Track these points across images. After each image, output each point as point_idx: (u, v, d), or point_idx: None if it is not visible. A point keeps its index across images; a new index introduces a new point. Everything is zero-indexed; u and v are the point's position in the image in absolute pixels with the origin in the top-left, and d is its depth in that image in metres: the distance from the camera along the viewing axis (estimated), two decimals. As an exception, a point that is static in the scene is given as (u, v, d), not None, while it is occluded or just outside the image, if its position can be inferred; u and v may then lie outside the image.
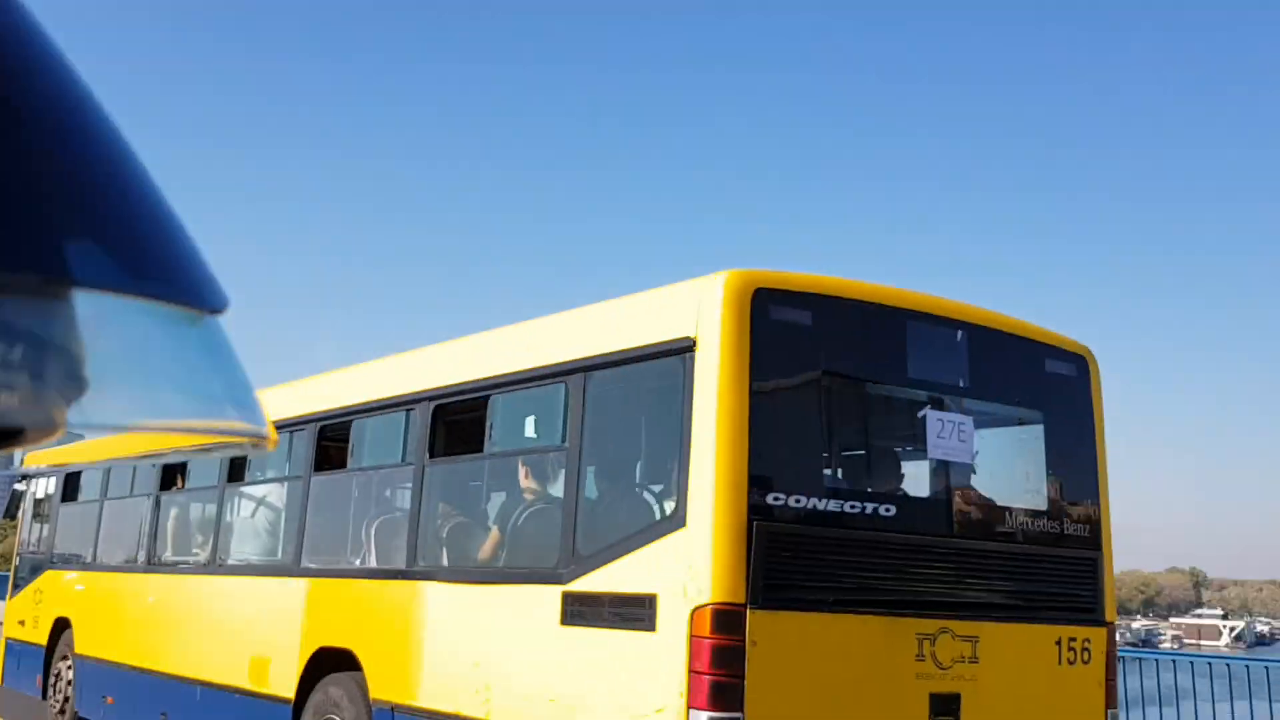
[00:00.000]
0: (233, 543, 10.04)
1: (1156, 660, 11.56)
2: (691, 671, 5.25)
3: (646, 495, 6.28)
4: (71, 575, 12.89)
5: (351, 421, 8.43)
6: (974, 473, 6.31)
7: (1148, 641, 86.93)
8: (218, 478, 10.13)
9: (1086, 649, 6.46)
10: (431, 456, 7.47)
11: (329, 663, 7.88)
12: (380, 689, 7.30)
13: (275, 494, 9.54)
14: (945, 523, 6.15)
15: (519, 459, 6.88)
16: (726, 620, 5.26)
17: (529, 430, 6.98)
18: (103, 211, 0.68)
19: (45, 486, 14.21)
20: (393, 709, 7.08)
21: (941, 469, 6.24)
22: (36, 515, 14.54)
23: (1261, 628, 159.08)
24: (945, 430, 6.10)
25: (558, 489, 6.45)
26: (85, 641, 12.00)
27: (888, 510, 5.89)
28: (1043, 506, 6.59)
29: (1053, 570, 6.49)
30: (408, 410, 7.76)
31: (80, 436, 0.72)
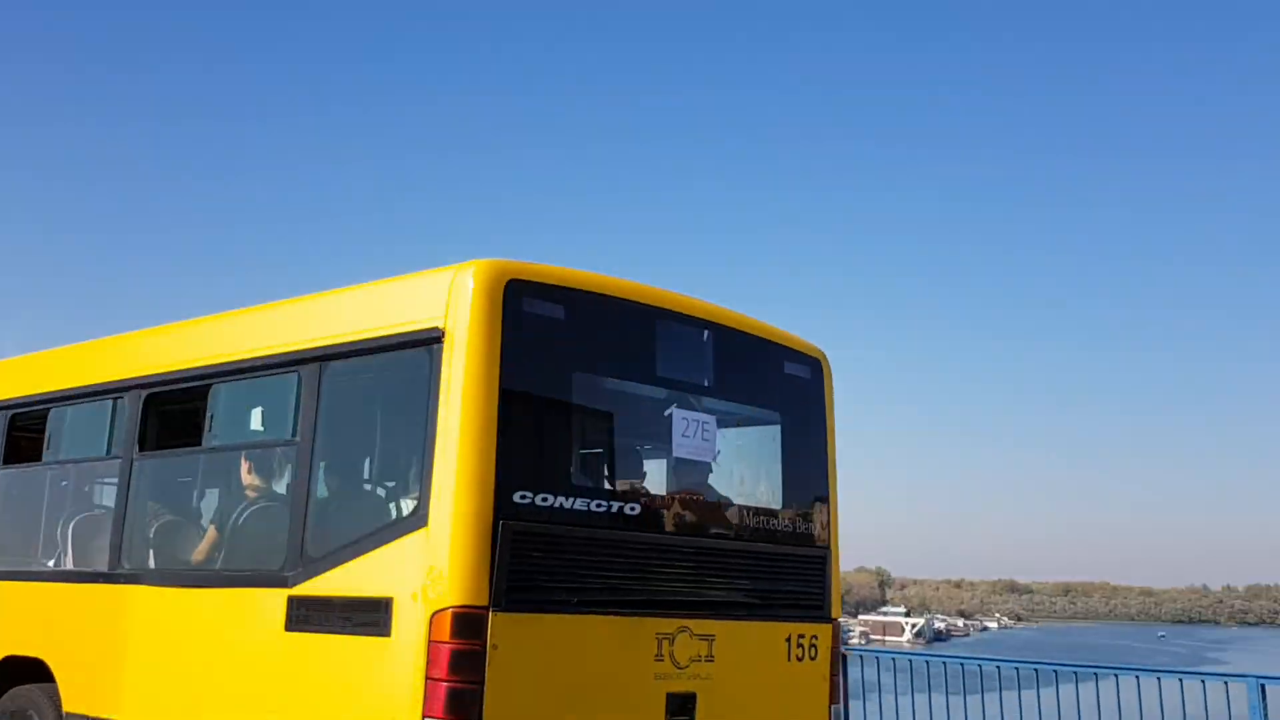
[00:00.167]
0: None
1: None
2: (428, 678, 4.99)
3: (385, 493, 5.98)
4: None
5: (49, 410, 7.66)
6: (717, 472, 6.35)
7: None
8: None
9: (814, 645, 6.61)
10: (141, 449, 6.88)
11: (17, 673, 7.17)
12: (75, 702, 6.65)
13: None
14: (687, 522, 6.14)
15: (242, 454, 6.42)
16: (467, 624, 5.03)
17: (255, 423, 6.49)
18: None
19: None
20: None
21: (685, 468, 6.24)
22: None
23: (939, 624, 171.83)
24: (690, 429, 6.09)
25: (286, 486, 6.05)
26: None
27: (632, 509, 5.82)
28: (778, 506, 6.69)
29: (786, 568, 6.59)
30: (115, 399, 7.12)
31: None
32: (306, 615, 5.57)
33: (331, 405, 5.92)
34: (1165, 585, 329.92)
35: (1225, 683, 8.89)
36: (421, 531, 5.18)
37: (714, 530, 6.28)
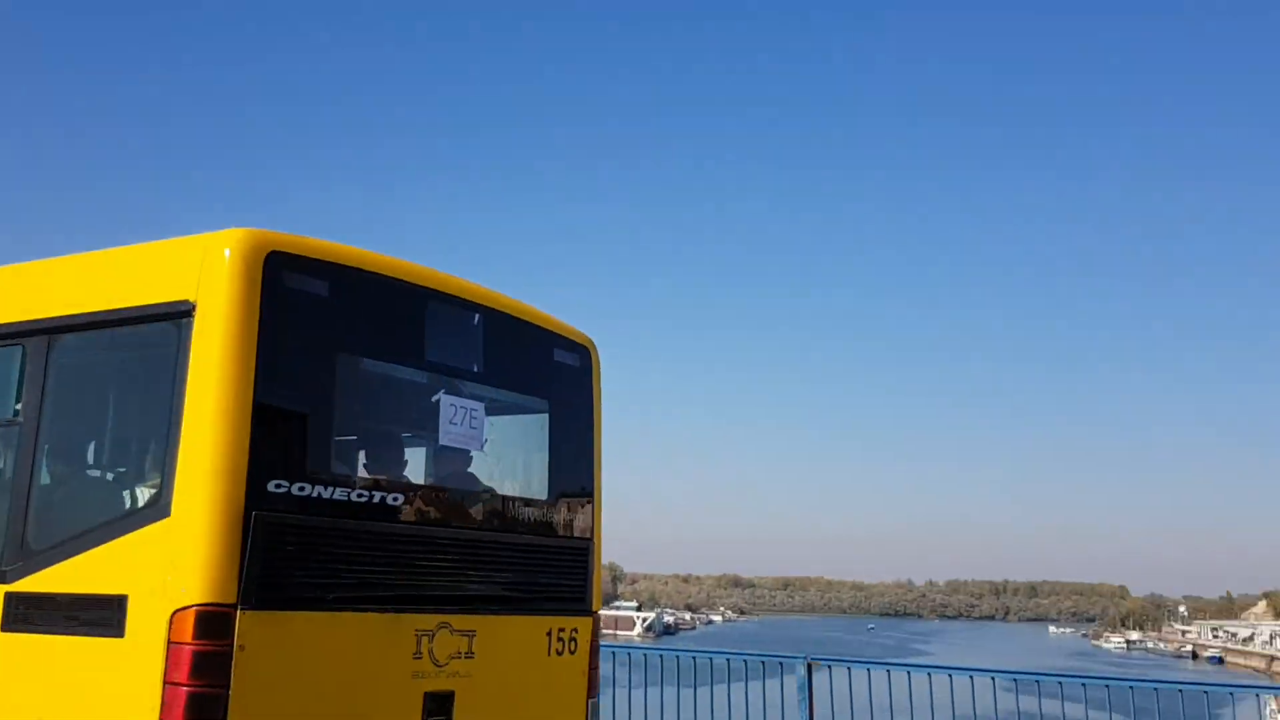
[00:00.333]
0: None
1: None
2: (166, 683, 4.60)
3: (121, 481, 5.48)
4: None
5: None
6: (481, 462, 6.14)
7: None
8: None
9: (575, 639, 6.51)
10: None
11: None
12: None
13: None
14: (451, 513, 5.92)
15: None
16: (212, 623, 4.66)
17: None
18: None
19: None
20: None
21: (451, 456, 6.00)
22: None
23: (669, 618, 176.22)
24: (458, 416, 5.86)
25: (3, 471, 5.46)
26: None
27: (395, 500, 5.54)
28: (543, 497, 6.55)
29: (550, 561, 6.47)
30: None
31: None
32: (26, 614, 5.05)
33: (61, 383, 5.39)
34: (875, 580, 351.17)
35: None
36: (163, 523, 4.78)
37: (478, 522, 6.07)
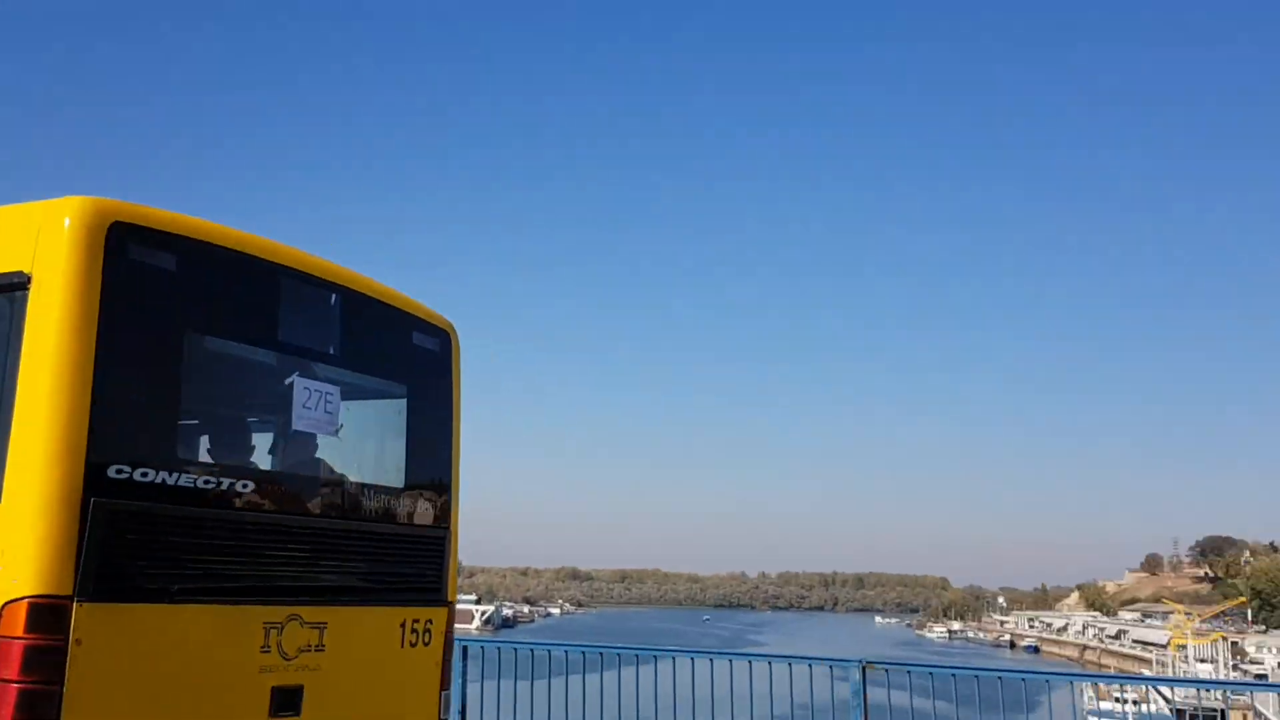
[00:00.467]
0: None
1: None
2: None
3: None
4: None
5: None
6: (336, 448, 5.92)
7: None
8: None
9: (429, 630, 6.36)
10: None
11: None
12: None
13: None
14: (304, 501, 5.69)
15: None
16: (45, 616, 4.41)
17: None
18: None
19: None
20: None
21: (303, 442, 5.77)
22: None
23: (507, 611, 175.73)
24: (312, 400, 5.63)
25: None
26: None
27: (245, 487, 5.29)
28: (400, 485, 6.34)
29: (405, 551, 6.29)
30: None
31: None
32: None
33: None
34: (710, 572, 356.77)
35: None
36: None
37: (331, 510, 5.86)
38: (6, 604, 4.35)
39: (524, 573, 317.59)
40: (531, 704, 10.35)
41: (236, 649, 5.15)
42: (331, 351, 5.92)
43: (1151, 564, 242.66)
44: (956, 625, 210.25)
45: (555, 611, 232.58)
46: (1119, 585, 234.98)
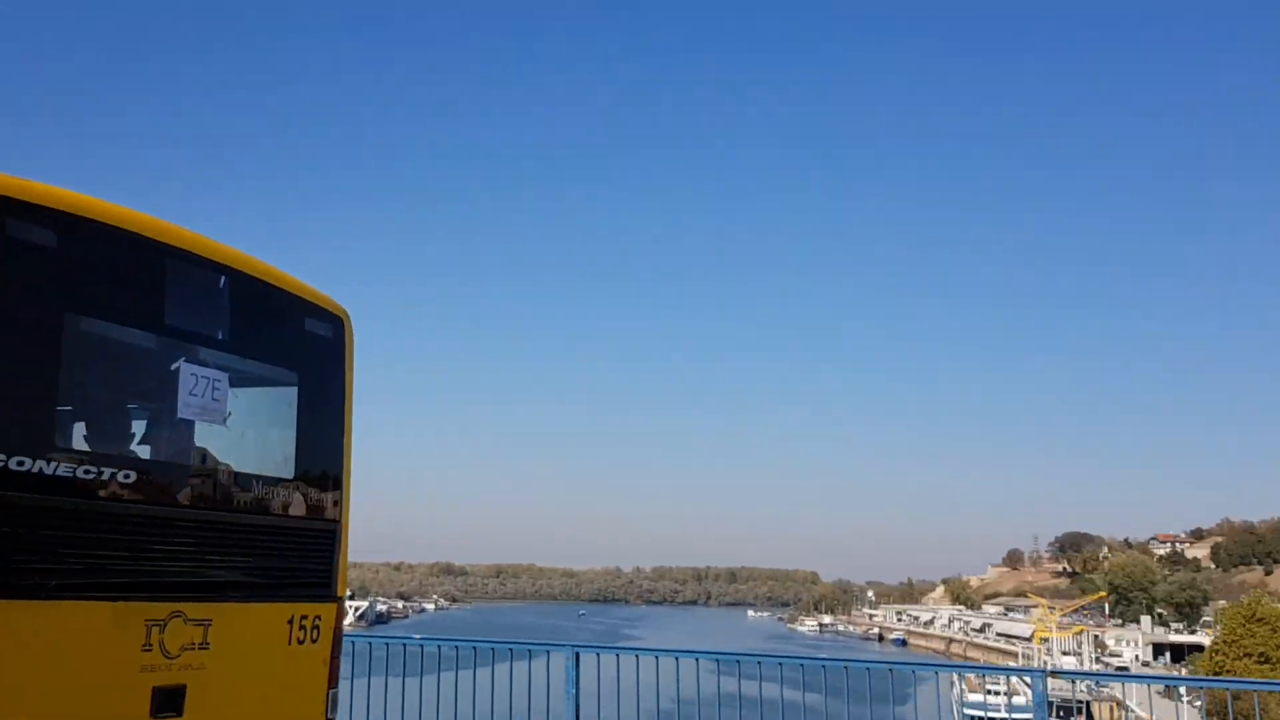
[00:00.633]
0: None
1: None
2: None
3: None
4: None
5: None
6: (223, 437, 5.66)
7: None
8: None
9: (317, 627, 6.15)
10: None
11: None
12: None
13: None
14: (189, 493, 5.44)
15: None
16: None
17: None
18: None
19: None
20: None
21: (189, 431, 5.51)
22: None
23: (381, 607, 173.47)
24: (199, 387, 5.38)
25: None
26: None
27: (126, 477, 5.03)
28: (289, 476, 6.12)
29: (294, 544, 6.08)
30: None
31: None
32: None
33: None
34: (584, 567, 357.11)
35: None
36: None
37: (217, 502, 5.61)
38: None
39: (397, 568, 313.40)
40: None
41: (116, 647, 4.90)
42: (220, 336, 5.67)
43: (1013, 559, 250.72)
44: (827, 619, 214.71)
45: (430, 607, 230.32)
46: (982, 580, 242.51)
